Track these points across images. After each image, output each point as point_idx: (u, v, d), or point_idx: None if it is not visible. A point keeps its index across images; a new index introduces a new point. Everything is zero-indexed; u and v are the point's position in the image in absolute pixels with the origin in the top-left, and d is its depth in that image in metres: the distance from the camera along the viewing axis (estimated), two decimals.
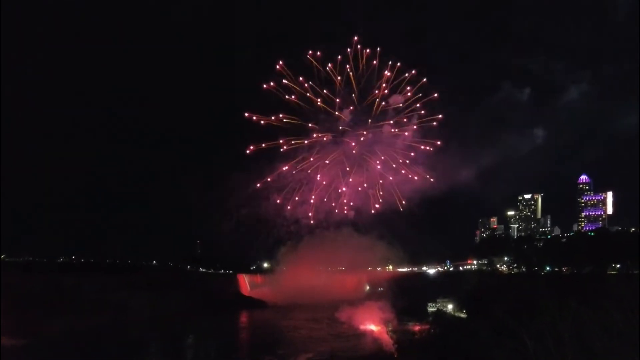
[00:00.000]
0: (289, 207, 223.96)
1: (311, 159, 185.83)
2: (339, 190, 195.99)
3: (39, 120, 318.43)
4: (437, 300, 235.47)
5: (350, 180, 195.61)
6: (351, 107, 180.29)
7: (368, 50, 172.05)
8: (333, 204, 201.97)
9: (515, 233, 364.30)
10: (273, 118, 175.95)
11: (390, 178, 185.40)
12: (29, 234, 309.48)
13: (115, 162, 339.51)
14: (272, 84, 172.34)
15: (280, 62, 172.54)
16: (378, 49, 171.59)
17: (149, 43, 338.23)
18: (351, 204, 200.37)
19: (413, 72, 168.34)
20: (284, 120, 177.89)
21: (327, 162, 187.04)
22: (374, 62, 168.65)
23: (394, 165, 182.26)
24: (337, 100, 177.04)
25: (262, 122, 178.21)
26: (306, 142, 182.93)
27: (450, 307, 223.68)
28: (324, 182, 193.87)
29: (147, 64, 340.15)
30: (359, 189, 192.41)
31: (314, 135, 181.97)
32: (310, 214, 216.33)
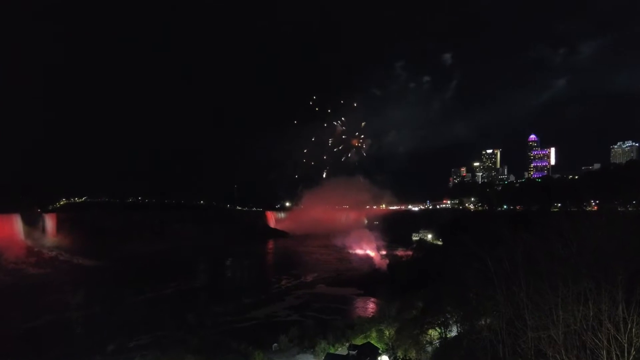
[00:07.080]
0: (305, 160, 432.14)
1: None
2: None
3: None
4: (420, 231, 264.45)
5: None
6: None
7: None
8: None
9: (480, 180, 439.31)
10: None
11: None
12: (104, 180, 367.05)
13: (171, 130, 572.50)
14: None
15: None
16: None
17: None
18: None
19: None
20: None
21: None
22: None
23: None
24: None
25: None
26: None
27: (429, 236, 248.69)
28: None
29: None
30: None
31: None
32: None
